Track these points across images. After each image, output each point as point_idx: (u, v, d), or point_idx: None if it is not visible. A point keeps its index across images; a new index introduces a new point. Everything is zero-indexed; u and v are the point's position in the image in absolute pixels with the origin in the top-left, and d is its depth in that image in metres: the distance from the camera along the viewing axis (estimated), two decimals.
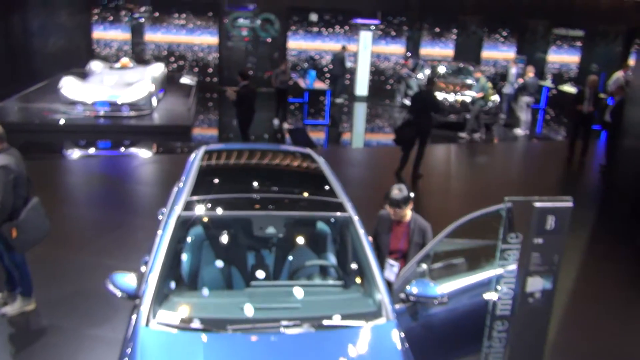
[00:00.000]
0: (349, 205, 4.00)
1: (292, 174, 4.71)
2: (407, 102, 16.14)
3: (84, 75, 14.59)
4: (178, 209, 3.76)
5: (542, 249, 3.17)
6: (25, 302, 5.15)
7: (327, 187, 4.26)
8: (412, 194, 4.32)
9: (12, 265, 4.97)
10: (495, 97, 14.62)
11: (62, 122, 12.40)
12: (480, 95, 13.42)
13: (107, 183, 9.29)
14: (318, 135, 14.08)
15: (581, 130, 11.94)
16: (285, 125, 13.50)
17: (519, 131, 14.50)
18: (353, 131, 15.31)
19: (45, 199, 7.97)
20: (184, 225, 3.81)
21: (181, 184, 4.26)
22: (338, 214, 3.90)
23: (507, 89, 15.95)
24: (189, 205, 3.80)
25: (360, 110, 17.42)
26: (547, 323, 3.31)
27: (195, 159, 4.76)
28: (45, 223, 4.95)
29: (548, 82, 19.20)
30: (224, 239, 4.00)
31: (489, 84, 14.22)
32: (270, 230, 3.70)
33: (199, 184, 4.12)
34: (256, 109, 10.84)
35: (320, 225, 4.25)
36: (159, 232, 3.88)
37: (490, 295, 3.83)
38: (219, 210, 3.79)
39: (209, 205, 3.81)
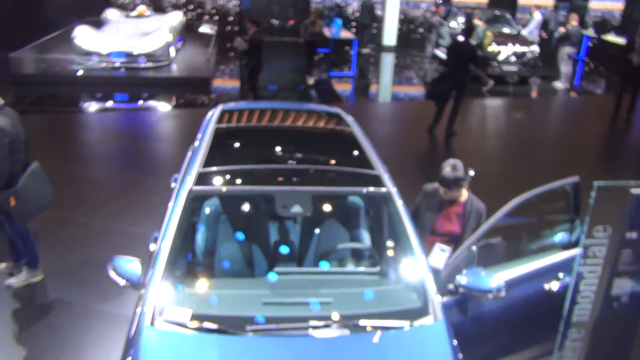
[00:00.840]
0: (386, 178, 3.42)
1: (320, 138, 4.12)
2: (438, 52, 15.18)
3: (99, 24, 13.96)
4: (189, 182, 3.23)
5: (636, 245, 2.57)
6: (32, 274, 4.76)
7: (360, 155, 3.68)
8: (471, 172, 3.71)
9: (15, 235, 4.55)
10: (535, 48, 13.62)
11: (77, 73, 11.89)
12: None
13: (122, 139, 8.82)
14: (344, 88, 13.35)
15: (629, 83, 10.99)
16: (310, 81, 12.72)
17: (559, 84, 13.55)
18: (381, 84, 14.49)
19: (57, 156, 7.65)
20: (196, 201, 3.30)
21: (195, 149, 3.72)
22: (374, 189, 3.32)
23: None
24: (201, 178, 3.26)
25: (388, 61, 16.51)
26: (635, 332, 2.76)
27: (211, 120, 4.20)
28: (47, 190, 4.48)
29: (590, 31, 17.92)
30: (242, 218, 3.48)
31: (489, 32, 13.26)
32: (296, 209, 3.16)
33: (214, 151, 3.57)
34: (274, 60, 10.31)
35: (353, 200, 3.69)
36: (169, 205, 3.38)
37: (552, 285, 3.28)
38: (236, 185, 3.25)
39: (225, 178, 3.27)
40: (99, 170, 7.48)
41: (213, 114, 4.36)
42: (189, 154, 4.38)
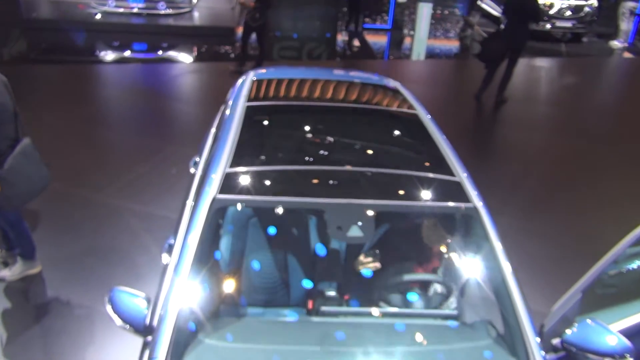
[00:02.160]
0: (470, 187, 2.59)
1: (379, 124, 3.25)
2: (483, 4, 13.86)
3: None
4: (213, 188, 2.43)
5: None
6: (27, 265, 4.09)
7: (432, 151, 2.84)
8: None
9: (5, 223, 3.85)
10: (593, 1, 12.26)
11: (93, 18, 11.02)
12: None
13: (138, 96, 8.02)
14: (378, 42, 12.27)
15: None
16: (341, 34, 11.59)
17: (617, 43, 12.27)
18: (420, 38, 13.29)
19: (63, 116, 6.89)
20: (220, 214, 2.52)
21: (220, 136, 2.90)
22: (454, 204, 2.49)
23: None
24: (228, 182, 2.46)
25: (427, 12, 15.16)
26: None
27: (240, 93, 3.35)
28: (41, 172, 3.71)
29: None
30: (280, 241, 2.69)
31: None
32: (354, 232, 2.36)
33: (245, 143, 2.75)
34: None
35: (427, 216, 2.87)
36: (185, 218, 2.62)
37: None
38: (273, 195, 2.45)
39: (259, 184, 2.47)
40: (110, 133, 6.72)
41: (243, 84, 3.52)
42: (211, 135, 3.57)
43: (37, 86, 8.05)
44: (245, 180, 2.48)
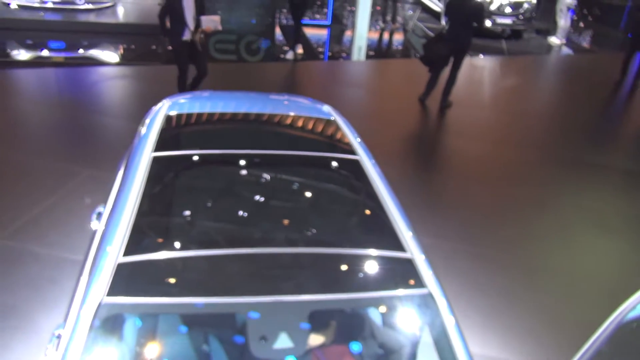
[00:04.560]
0: (425, 267, 2.13)
1: (312, 178, 2.71)
2: (429, 2, 13.56)
3: None
4: (98, 290, 1.85)
5: None
6: None
7: (378, 218, 2.36)
8: None
9: None
10: None
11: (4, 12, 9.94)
12: None
13: (53, 108, 7.14)
14: (318, 39, 11.74)
15: None
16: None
17: (555, 40, 12.28)
18: (360, 34, 12.85)
19: None
20: (111, 324, 1.94)
21: (119, 193, 2.30)
22: (406, 291, 2.03)
23: None
24: (119, 279, 1.89)
25: (367, 5, 14.74)
26: None
27: (148, 136, 2.74)
28: None
29: None
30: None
31: None
32: (284, 341, 1.85)
33: (146, 214, 2.17)
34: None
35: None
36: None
37: None
38: (177, 296, 1.89)
39: (158, 281, 1.91)
40: (14, 153, 5.86)
41: (152, 122, 2.90)
42: (117, 182, 2.92)
43: None
44: (142, 276, 1.91)
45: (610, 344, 2.07)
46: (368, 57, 11.07)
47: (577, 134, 7.77)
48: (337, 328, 2.23)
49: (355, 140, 2.96)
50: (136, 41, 10.19)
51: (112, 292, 1.84)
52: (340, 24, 12.56)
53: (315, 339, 2.17)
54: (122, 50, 9.93)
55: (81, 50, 9.86)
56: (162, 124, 2.90)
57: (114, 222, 2.09)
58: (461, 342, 2.00)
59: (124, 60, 9.43)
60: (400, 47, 12.28)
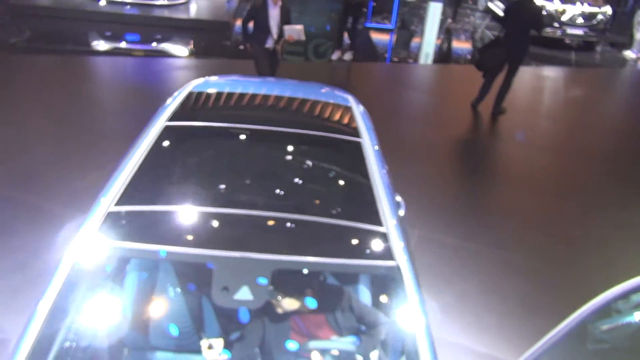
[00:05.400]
0: (397, 240, 2.21)
1: (311, 155, 2.82)
2: (493, 5, 13.35)
3: None
4: (89, 230, 2.07)
5: None
6: None
7: (365, 194, 2.45)
8: None
9: None
10: (607, 9, 11.69)
11: (86, 6, 10.72)
12: None
13: (125, 95, 7.68)
14: (382, 42, 11.82)
15: None
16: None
17: (631, 54, 11.71)
18: (428, 40, 12.76)
19: (33, 111, 6.61)
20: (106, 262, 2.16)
21: (124, 158, 2.52)
22: (374, 263, 2.12)
23: None
24: (108, 225, 2.11)
25: (434, 14, 14.66)
26: None
27: (166, 108, 2.97)
28: None
29: None
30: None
31: None
32: (244, 293, 2.00)
33: (146, 173, 2.40)
34: None
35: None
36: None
37: None
38: (166, 244, 2.08)
39: (147, 229, 2.11)
40: (76, 133, 6.37)
41: (176, 96, 3.14)
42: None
43: (15, 77, 7.78)
44: (131, 224, 2.12)
45: (565, 344, 2.07)
46: (434, 62, 11.03)
47: None
48: (298, 287, 2.35)
49: (363, 126, 3.07)
50: (205, 37, 10.69)
51: (99, 235, 2.06)
52: (406, 29, 12.58)
53: (276, 296, 2.31)
54: (192, 45, 10.43)
55: (154, 43, 10.44)
56: (183, 98, 3.14)
57: (113, 177, 2.33)
58: (423, 315, 2.06)
59: (194, 54, 9.92)
60: (466, 54, 12.13)
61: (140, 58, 9.47)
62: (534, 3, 7.28)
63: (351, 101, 3.47)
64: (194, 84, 3.41)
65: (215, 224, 2.16)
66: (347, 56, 9.95)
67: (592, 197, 5.97)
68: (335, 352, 2.37)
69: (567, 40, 11.79)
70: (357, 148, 2.80)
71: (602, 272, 4.55)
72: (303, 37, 6.57)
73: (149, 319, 2.40)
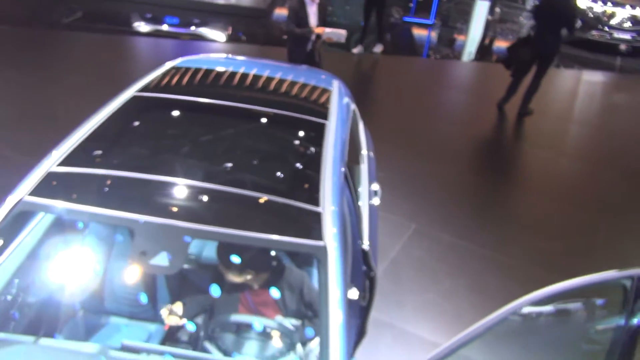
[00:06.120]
0: (331, 222, 2.19)
1: (271, 134, 2.81)
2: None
3: None
4: (22, 190, 2.15)
5: None
6: None
7: (310, 174, 2.43)
8: None
9: None
10: None
11: None
12: None
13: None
14: (419, 37, 11.66)
15: None
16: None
17: None
18: (473, 37, 12.38)
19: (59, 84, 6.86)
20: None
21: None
22: (302, 241, 2.12)
23: None
24: (45, 184, 2.19)
25: (478, 10, 14.28)
26: None
27: (141, 80, 3.05)
28: None
29: None
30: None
31: None
32: (161, 259, 2.02)
33: (96, 138, 2.47)
34: None
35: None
36: None
37: None
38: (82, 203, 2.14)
39: (83, 190, 2.17)
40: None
41: (151, 72, 3.20)
42: None
43: (66, 51, 8.14)
44: (67, 185, 2.18)
45: (496, 331, 2.02)
46: (475, 60, 10.79)
47: None
48: (246, 262, 2.39)
49: (336, 109, 3.05)
50: (243, 22, 10.81)
51: (34, 193, 2.13)
52: (449, 26, 12.34)
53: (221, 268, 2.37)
54: (230, 31, 10.57)
55: (192, 27, 10.64)
56: (164, 72, 3.21)
57: (65, 139, 2.40)
58: (340, 294, 2.04)
59: (230, 40, 10.06)
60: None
61: (179, 41, 9.69)
62: (568, 1, 6.98)
63: (334, 85, 3.45)
64: (179, 60, 3.47)
65: (149, 190, 2.20)
66: (378, 49, 9.85)
67: (617, 210, 5.70)
68: (274, 333, 2.38)
69: (623, 47, 11.26)
70: (320, 130, 2.78)
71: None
72: (343, 40, 6.25)
73: (83, 282, 2.48)
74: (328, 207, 2.24)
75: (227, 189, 2.23)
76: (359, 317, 2.99)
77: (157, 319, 2.58)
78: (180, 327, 2.44)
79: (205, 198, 2.20)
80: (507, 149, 7.14)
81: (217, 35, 10.29)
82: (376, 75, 9.29)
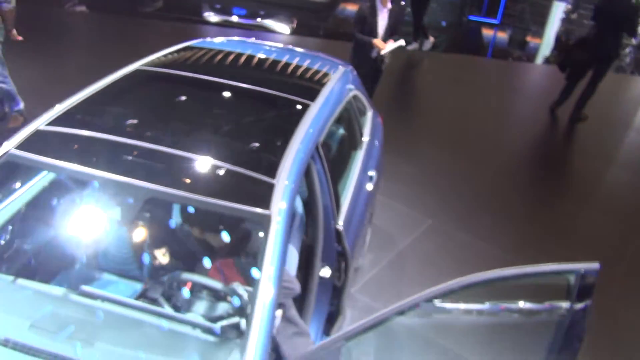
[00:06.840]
0: (283, 194, 2.28)
1: (256, 111, 2.93)
2: None
3: None
4: (9, 143, 2.40)
5: None
6: None
7: (278, 150, 2.53)
8: None
9: None
10: None
11: None
12: None
13: None
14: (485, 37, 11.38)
15: None
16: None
17: None
18: (543, 41, 11.90)
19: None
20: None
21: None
22: (250, 209, 2.24)
23: None
24: (33, 140, 2.43)
25: (551, 10, 13.65)
26: None
27: (152, 55, 3.27)
28: None
29: None
30: None
31: None
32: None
33: (91, 103, 2.69)
34: None
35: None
36: None
37: None
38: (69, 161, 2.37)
39: (66, 149, 2.41)
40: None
41: (163, 50, 3.40)
42: None
43: (145, 37, 8.71)
44: (52, 142, 2.41)
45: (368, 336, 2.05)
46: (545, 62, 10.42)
47: None
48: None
49: (328, 92, 3.12)
50: (306, 16, 11.03)
51: (21, 147, 2.37)
52: (515, 26, 11.94)
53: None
54: (295, 24, 10.80)
55: (258, 19, 10.99)
56: (175, 49, 3.41)
57: (62, 102, 2.64)
58: (276, 263, 2.12)
59: (295, 33, 10.31)
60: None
61: (244, 31, 10.06)
62: (629, 1, 6.60)
63: (338, 71, 3.51)
64: (196, 40, 3.67)
65: (122, 152, 2.39)
66: (426, 46, 9.73)
67: None
68: (227, 297, 2.49)
69: None
70: (301, 109, 2.86)
71: None
72: (404, 45, 5.86)
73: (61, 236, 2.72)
74: (282, 181, 2.33)
75: (193, 156, 2.38)
76: (333, 296, 3.06)
77: (143, 279, 2.76)
78: (156, 285, 2.60)
79: (171, 163, 2.36)
80: (552, 155, 6.86)
81: (281, 27, 10.55)
82: (430, 74, 9.17)
